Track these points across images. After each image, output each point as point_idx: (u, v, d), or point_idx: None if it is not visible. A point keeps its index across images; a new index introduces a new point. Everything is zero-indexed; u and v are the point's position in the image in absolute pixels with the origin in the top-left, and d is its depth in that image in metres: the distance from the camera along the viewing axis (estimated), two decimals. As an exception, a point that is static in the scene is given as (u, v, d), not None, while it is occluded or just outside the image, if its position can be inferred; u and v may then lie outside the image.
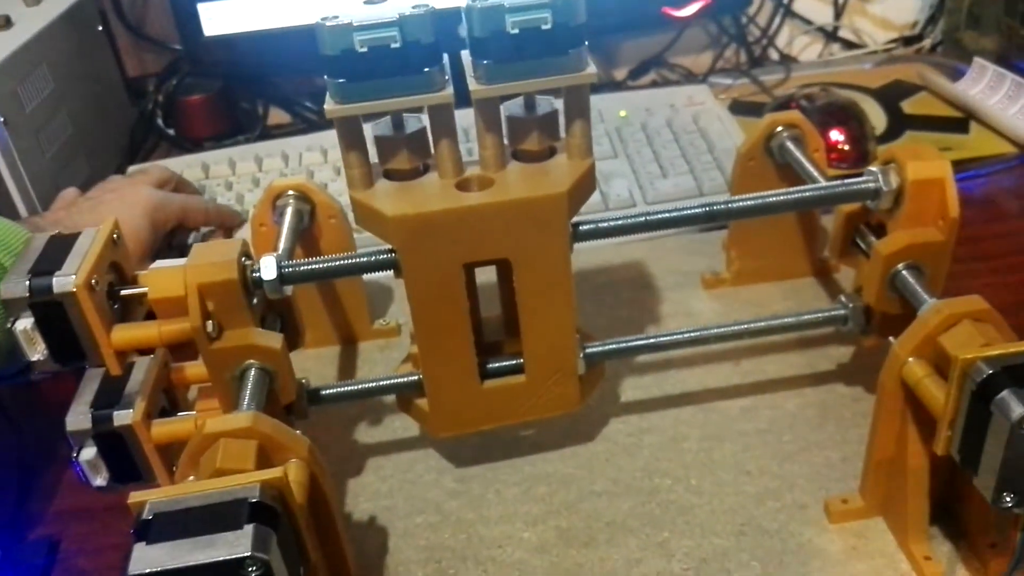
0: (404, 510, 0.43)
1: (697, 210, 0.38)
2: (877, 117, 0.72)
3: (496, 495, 0.43)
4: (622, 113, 0.71)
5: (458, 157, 0.37)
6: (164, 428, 0.38)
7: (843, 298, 0.42)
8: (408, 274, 0.37)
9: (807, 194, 0.39)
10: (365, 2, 0.35)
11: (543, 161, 0.38)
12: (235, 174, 0.68)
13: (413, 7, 0.33)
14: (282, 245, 0.43)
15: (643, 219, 0.38)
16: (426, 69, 0.34)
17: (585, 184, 0.37)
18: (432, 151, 0.37)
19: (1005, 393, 0.29)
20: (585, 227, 0.38)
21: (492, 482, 0.44)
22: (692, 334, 0.42)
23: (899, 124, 0.71)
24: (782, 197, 0.39)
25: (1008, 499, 0.30)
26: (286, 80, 0.84)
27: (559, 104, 0.38)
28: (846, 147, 0.66)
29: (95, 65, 0.77)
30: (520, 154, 0.38)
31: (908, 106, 0.74)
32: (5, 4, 0.70)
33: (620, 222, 0.38)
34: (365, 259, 0.38)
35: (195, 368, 0.40)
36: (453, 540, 0.41)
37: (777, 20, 0.88)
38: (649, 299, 0.56)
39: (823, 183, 0.40)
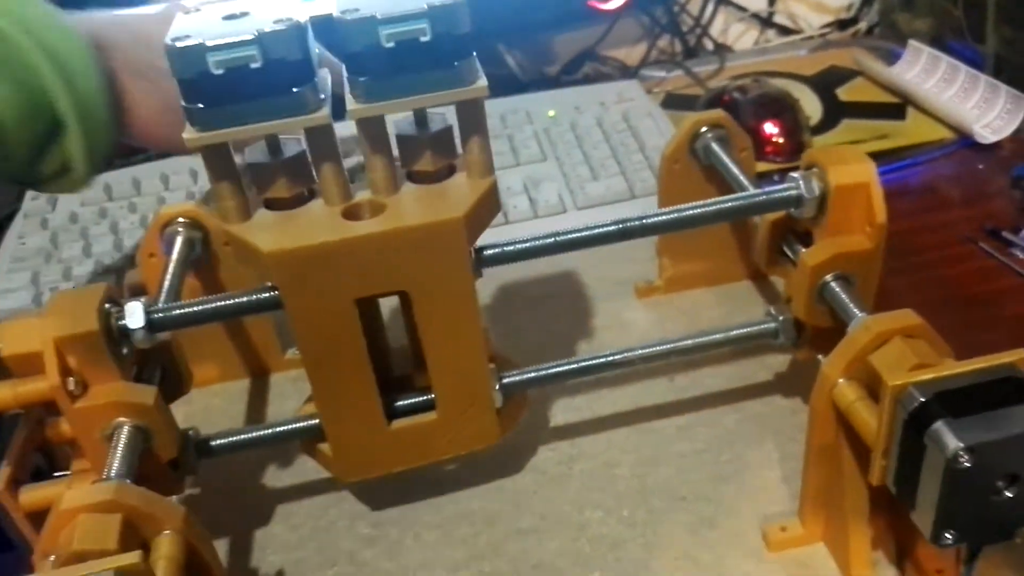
0: (316, 562, 0.40)
1: (610, 228, 0.35)
2: (812, 106, 0.70)
3: (415, 540, 0.40)
4: (551, 113, 0.68)
5: (344, 181, 0.34)
6: (33, 495, 0.34)
7: (772, 311, 0.40)
8: (293, 314, 0.33)
9: (727, 205, 0.36)
10: (224, 17, 0.31)
11: (440, 182, 0.35)
12: (139, 194, 0.63)
13: (275, 21, 0.30)
14: (167, 281, 0.39)
15: (552, 240, 0.35)
16: (295, 89, 0.31)
17: (487, 205, 0.34)
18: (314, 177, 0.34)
19: (939, 424, 0.27)
20: (489, 252, 0.35)
21: (411, 525, 0.41)
22: (617, 356, 0.40)
23: (835, 112, 0.69)
24: (699, 210, 0.36)
25: (948, 537, 0.28)
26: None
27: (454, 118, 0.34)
28: (780, 140, 0.64)
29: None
30: (414, 175, 0.35)
31: (844, 93, 0.72)
32: None
33: (527, 245, 0.35)
34: (245, 299, 0.34)
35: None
36: (367, 595, 0.38)
37: (710, 8, 0.86)
38: (582, 311, 0.53)
39: (744, 192, 0.38)
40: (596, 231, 0.35)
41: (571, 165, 0.62)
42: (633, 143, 0.63)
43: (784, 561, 0.37)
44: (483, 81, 0.32)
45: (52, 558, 0.29)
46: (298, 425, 0.37)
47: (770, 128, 0.64)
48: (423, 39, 0.30)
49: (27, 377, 0.32)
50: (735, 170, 0.43)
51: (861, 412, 0.32)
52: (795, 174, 0.37)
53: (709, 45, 0.86)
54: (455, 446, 0.39)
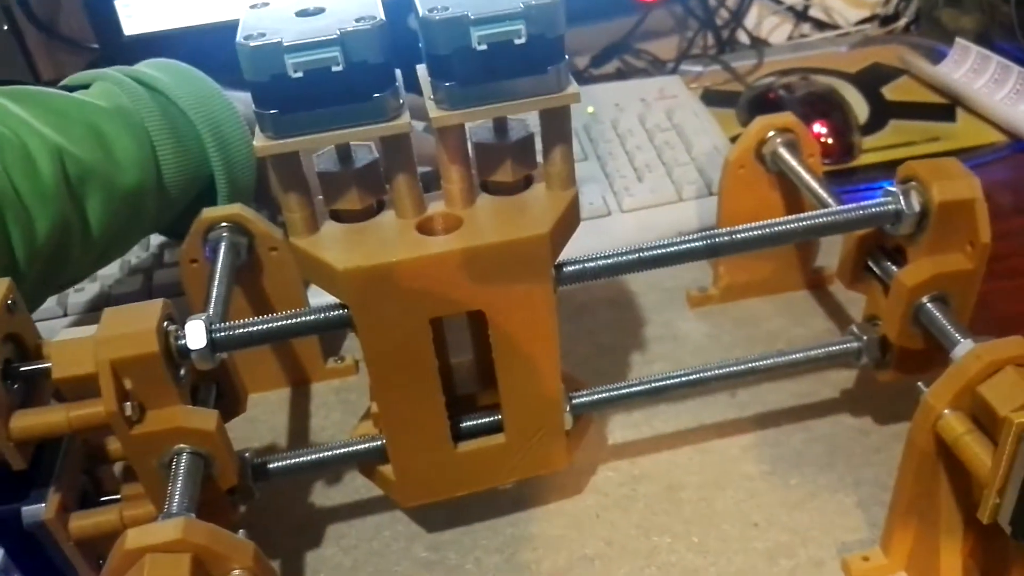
0: (372, 588, 0.38)
1: (697, 244, 0.33)
2: (858, 105, 0.68)
3: (476, 565, 0.38)
4: (590, 110, 0.65)
5: (419, 193, 0.32)
6: (84, 522, 0.32)
7: (855, 329, 0.38)
8: (364, 334, 0.31)
9: (820, 221, 0.34)
10: (297, 13, 0.29)
11: (518, 193, 0.33)
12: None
13: (357, 19, 0.27)
14: (215, 291, 0.37)
15: (636, 257, 0.33)
16: (376, 94, 0.29)
17: (569, 219, 0.32)
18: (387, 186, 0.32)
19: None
20: (570, 268, 0.33)
21: (470, 549, 0.39)
22: (690, 377, 0.38)
23: (882, 112, 0.67)
24: (792, 226, 0.34)
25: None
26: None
27: (534, 126, 0.32)
28: (830, 140, 0.62)
29: (3, 69, 0.68)
30: (491, 186, 0.33)
31: (890, 92, 0.70)
32: None
33: (610, 261, 0.33)
34: (313, 317, 0.32)
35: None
36: (430, 626, 0.36)
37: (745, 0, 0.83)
38: (632, 321, 0.51)
39: (837, 207, 0.36)
40: (682, 247, 0.33)
41: (614, 166, 0.60)
42: (679, 142, 0.61)
43: (866, 593, 0.36)
44: (575, 87, 0.30)
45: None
46: (360, 447, 0.35)
47: (819, 128, 0.62)
48: (518, 41, 0.28)
49: (80, 401, 0.30)
50: (810, 180, 0.41)
51: (972, 447, 0.30)
52: (892, 187, 0.35)
53: (742, 38, 0.83)
54: (522, 470, 0.37)
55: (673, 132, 0.62)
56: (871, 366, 0.38)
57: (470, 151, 0.32)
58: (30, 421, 0.30)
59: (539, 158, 0.33)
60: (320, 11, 0.29)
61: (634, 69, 0.80)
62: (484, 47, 0.28)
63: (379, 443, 0.35)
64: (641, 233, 0.55)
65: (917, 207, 0.34)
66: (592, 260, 0.33)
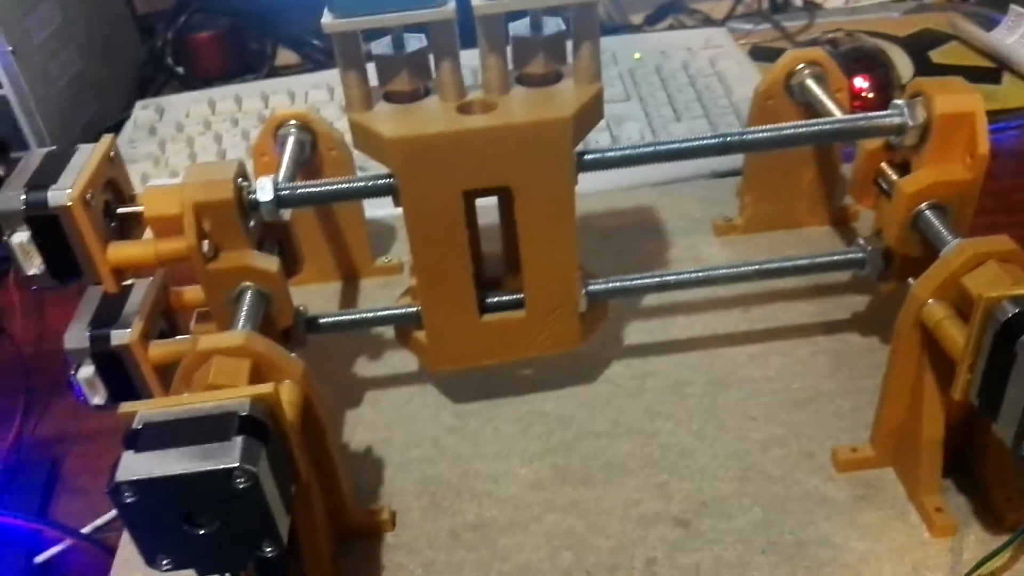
0: (400, 443, 0.42)
1: (710, 140, 0.36)
2: (904, 66, 0.69)
3: (493, 432, 0.43)
4: (636, 55, 0.68)
5: (459, 80, 0.36)
6: (161, 349, 0.38)
7: (861, 241, 0.41)
8: (406, 200, 0.36)
9: (827, 127, 0.37)
10: (365, -91, 0.33)
11: (548, 86, 0.36)
12: (241, 111, 0.67)
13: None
14: (282, 172, 0.42)
15: (652, 149, 0.37)
16: (427, -18, 0.33)
17: (592, 110, 0.36)
18: (433, 73, 0.36)
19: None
20: (591, 156, 0.37)
21: (490, 419, 0.43)
22: (699, 274, 0.41)
23: (926, 74, 0.68)
24: (801, 129, 0.37)
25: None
26: (294, 19, 0.82)
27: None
28: (870, 95, 0.64)
29: (103, 1, 0.75)
30: (524, 78, 0.37)
31: (937, 55, 0.71)
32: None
33: (628, 152, 0.37)
34: (362, 183, 0.36)
35: (194, 293, 0.39)
36: (449, 474, 0.40)
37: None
38: (657, 244, 0.54)
39: (844, 116, 0.39)
40: (696, 143, 0.37)
41: (655, 106, 0.63)
42: (719, 88, 0.64)
43: (851, 481, 0.39)
44: (603, -14, 0.34)
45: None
46: (398, 311, 0.40)
47: (860, 83, 0.64)
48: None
49: (166, 238, 0.35)
50: (831, 105, 0.44)
51: (949, 329, 0.32)
52: (898, 101, 0.37)
53: (796, 2, 0.85)
54: (539, 346, 0.41)
55: (715, 78, 0.65)
56: (874, 275, 0.41)
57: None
58: (124, 251, 0.35)
59: (570, 58, 0.37)
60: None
61: (687, 27, 0.83)
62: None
63: (415, 309, 0.40)
64: (675, 169, 0.58)
65: (920, 118, 0.37)
66: (612, 150, 0.37)
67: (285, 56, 0.83)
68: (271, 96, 0.67)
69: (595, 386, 0.45)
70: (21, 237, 0.34)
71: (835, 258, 0.41)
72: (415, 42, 0.36)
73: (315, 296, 0.52)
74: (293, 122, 0.46)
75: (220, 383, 0.30)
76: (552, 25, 0.36)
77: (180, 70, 0.78)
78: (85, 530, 0.40)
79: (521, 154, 0.35)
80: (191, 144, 0.63)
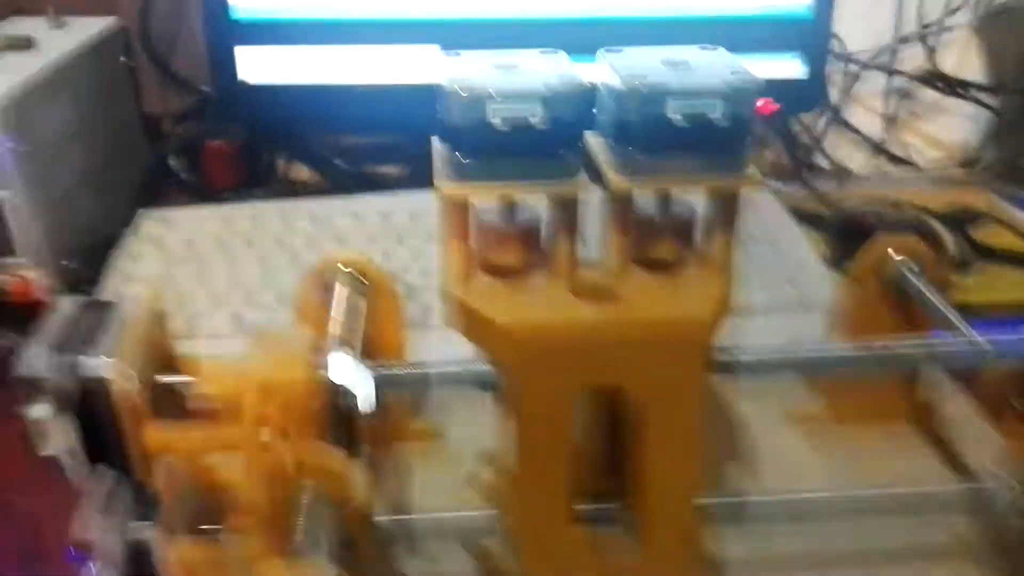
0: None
1: (861, 353, 0.32)
2: (948, 242, 0.68)
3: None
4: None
5: (577, 259, 0.31)
6: (189, 552, 0.30)
7: (997, 470, 0.36)
8: (519, 396, 0.30)
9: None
10: (496, 66, 0.29)
11: (673, 273, 0.32)
12: (256, 229, 0.61)
13: (560, 77, 0.28)
14: (358, 342, 0.36)
15: (793, 356, 0.32)
16: (562, 151, 0.29)
17: (724, 307, 0.32)
18: (542, 247, 0.32)
19: None
20: (725, 359, 0.32)
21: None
22: (822, 495, 0.36)
23: (974, 252, 0.67)
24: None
25: None
26: (315, 135, 0.79)
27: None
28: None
29: (114, 99, 0.71)
30: (644, 261, 0.32)
31: (978, 234, 0.70)
32: (26, 24, 0.65)
33: (769, 357, 0.32)
34: (460, 369, 0.31)
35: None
36: None
37: (822, 124, 0.85)
38: (731, 433, 0.49)
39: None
40: (847, 354, 0.32)
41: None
42: (771, 255, 0.61)
43: None
44: (755, 171, 0.30)
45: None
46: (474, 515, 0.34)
47: (912, 258, 0.62)
48: (712, 116, 0.28)
49: (224, 422, 0.29)
50: (937, 303, 0.41)
51: None
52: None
53: (818, 163, 0.85)
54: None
55: (764, 243, 0.62)
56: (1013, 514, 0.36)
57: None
58: (165, 437, 0.28)
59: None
60: (515, 66, 0.29)
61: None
62: (679, 118, 0.28)
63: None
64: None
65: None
66: (746, 354, 0.32)
67: (295, 169, 0.79)
68: (292, 219, 0.62)
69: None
70: (41, 411, 0.27)
71: (971, 486, 0.36)
72: (526, 211, 0.32)
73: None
74: (346, 268, 0.41)
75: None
76: (683, 206, 0.32)
77: (185, 176, 0.73)
78: None
79: (652, 354, 0.30)
80: (202, 264, 0.57)
